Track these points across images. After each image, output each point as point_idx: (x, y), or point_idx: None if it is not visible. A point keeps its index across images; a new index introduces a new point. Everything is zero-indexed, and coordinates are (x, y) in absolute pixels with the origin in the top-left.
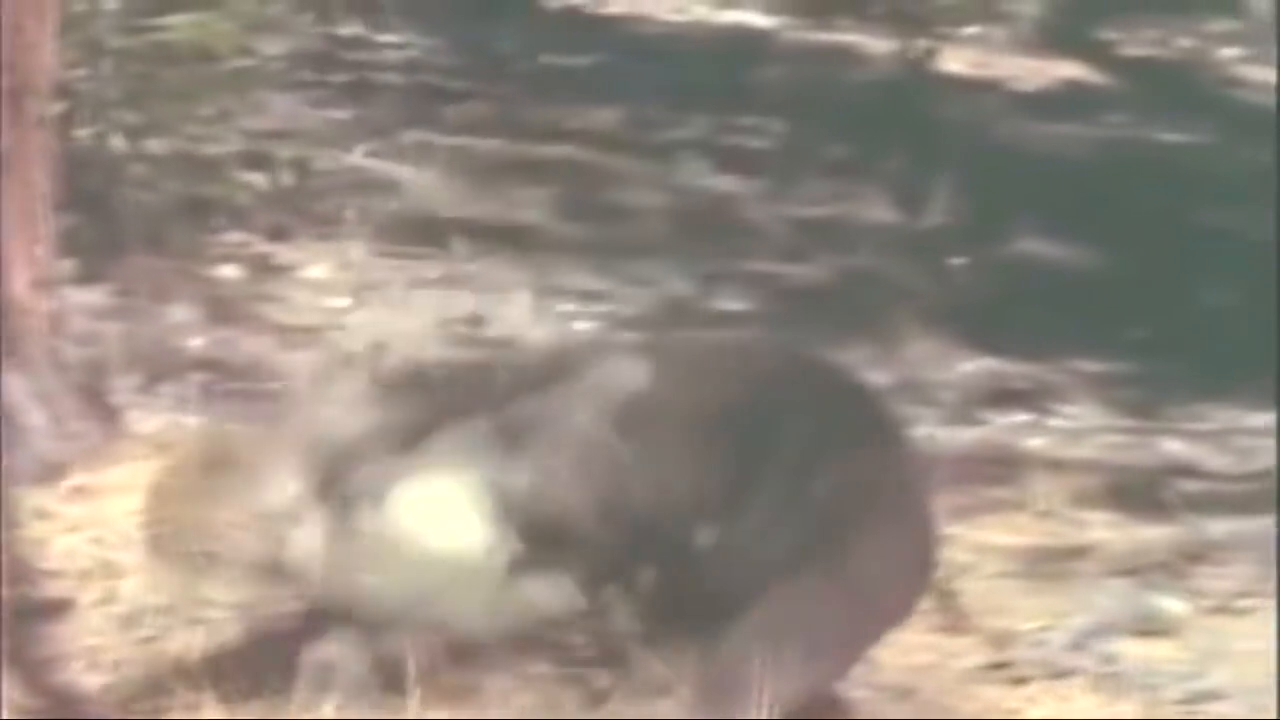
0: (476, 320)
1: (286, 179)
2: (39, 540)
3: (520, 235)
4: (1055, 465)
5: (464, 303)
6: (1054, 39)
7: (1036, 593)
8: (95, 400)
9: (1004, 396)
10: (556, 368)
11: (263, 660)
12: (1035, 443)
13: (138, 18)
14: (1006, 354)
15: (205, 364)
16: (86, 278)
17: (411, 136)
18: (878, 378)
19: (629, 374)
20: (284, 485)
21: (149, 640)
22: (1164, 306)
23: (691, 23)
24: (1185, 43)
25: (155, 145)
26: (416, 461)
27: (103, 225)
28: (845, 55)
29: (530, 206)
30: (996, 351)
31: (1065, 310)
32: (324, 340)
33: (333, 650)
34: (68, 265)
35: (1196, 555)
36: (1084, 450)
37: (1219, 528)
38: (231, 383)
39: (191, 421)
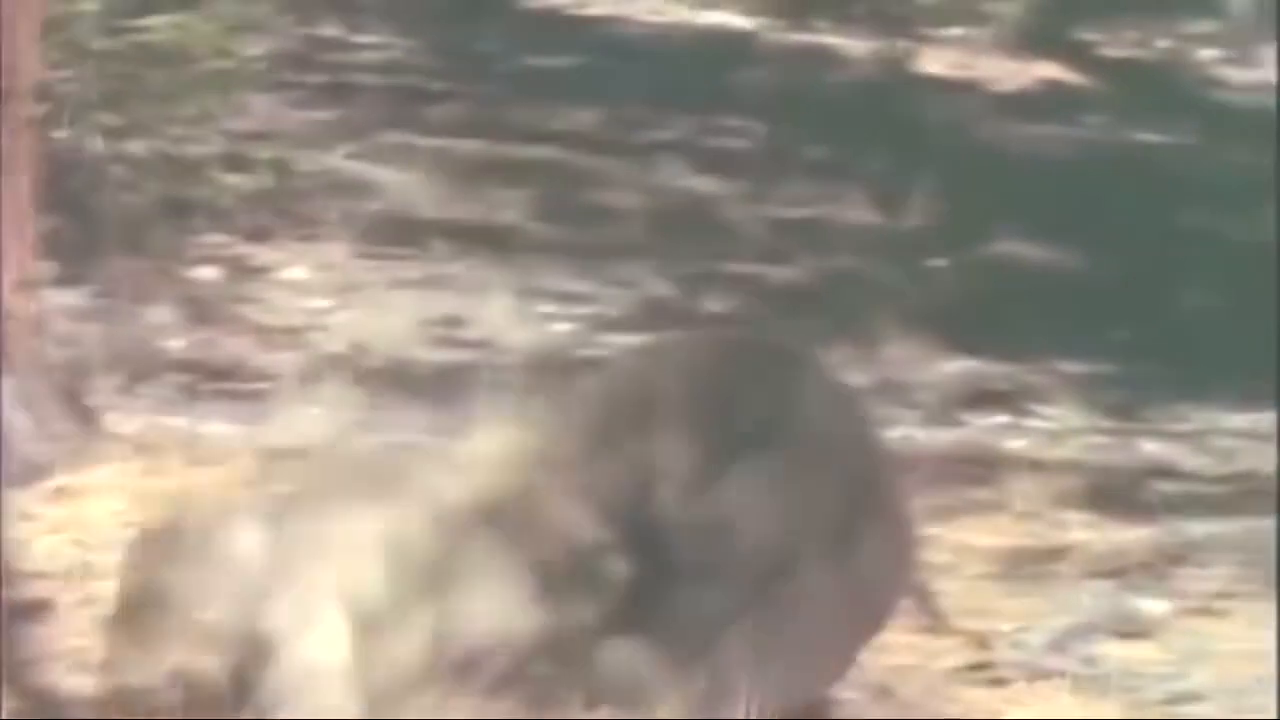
0: (456, 321)
1: (267, 180)
2: (21, 541)
3: (500, 236)
4: (1035, 466)
5: (444, 304)
6: (1034, 40)
7: (1017, 594)
8: (76, 402)
9: (984, 397)
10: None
11: None
12: (1015, 444)
13: (118, 19)
14: (986, 355)
15: (185, 365)
16: (67, 279)
17: (392, 137)
18: (857, 378)
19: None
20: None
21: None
22: (1144, 308)
23: (672, 24)
24: (1165, 44)
25: (135, 146)
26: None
27: (83, 227)
28: (825, 56)
29: (510, 207)
30: (976, 352)
31: (1045, 311)
32: (304, 341)
33: None
34: (48, 267)
35: (1177, 556)
36: (1064, 451)
37: (1199, 529)
38: (212, 384)
39: (172, 422)
